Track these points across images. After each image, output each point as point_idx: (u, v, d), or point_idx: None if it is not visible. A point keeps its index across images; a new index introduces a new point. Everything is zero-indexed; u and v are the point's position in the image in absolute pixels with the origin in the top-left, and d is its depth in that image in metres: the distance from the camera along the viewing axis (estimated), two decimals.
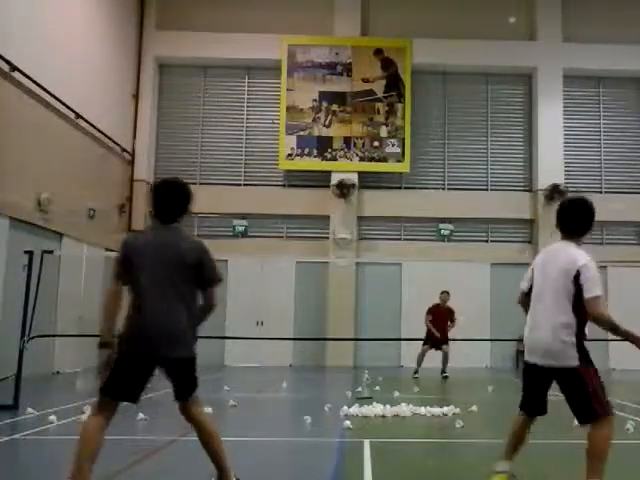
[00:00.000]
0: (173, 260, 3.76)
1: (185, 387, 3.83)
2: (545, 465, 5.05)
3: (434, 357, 13.49)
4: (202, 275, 3.85)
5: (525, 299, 4.10)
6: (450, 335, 13.33)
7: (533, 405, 4.02)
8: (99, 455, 3.56)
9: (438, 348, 13.30)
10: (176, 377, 3.80)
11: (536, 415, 4.04)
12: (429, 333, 13.30)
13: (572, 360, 3.74)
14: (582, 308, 3.73)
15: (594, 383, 3.74)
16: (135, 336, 3.70)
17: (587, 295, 3.69)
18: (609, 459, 3.74)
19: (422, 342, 13.24)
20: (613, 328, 3.72)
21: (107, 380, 3.66)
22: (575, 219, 3.96)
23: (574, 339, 3.75)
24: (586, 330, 3.84)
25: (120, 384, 3.66)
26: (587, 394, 3.72)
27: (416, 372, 13.14)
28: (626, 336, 3.73)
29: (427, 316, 13.45)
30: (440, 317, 13.37)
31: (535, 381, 3.96)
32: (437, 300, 13.59)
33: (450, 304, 13.57)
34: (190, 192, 3.94)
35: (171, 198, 3.87)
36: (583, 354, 3.77)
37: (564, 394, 3.85)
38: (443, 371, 13.22)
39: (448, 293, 13.61)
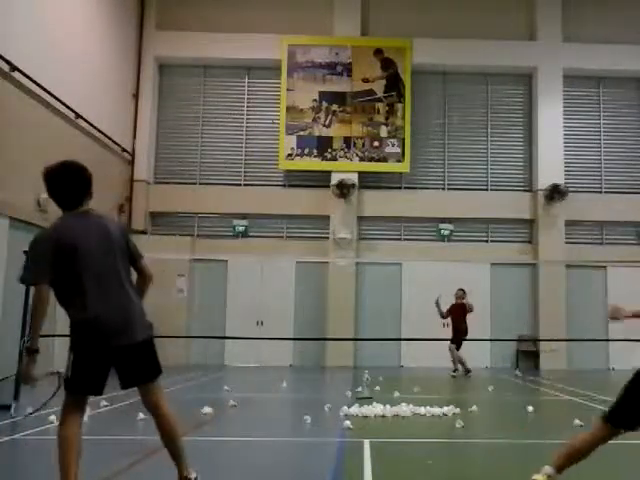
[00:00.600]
0: (108, 245, 3.64)
1: (149, 369, 3.69)
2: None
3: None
4: (130, 250, 3.77)
5: None
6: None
7: (635, 417, 3.70)
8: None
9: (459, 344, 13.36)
10: (139, 361, 3.64)
11: (632, 428, 3.70)
12: (453, 332, 13.37)
13: None
14: None
15: None
16: (94, 335, 3.54)
17: None
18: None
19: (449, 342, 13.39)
20: None
21: (71, 380, 3.56)
22: None
23: None
24: None
25: (86, 381, 3.57)
26: None
27: (468, 372, 13.23)
28: None
29: (446, 313, 13.62)
30: (455, 314, 13.52)
31: None
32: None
33: (450, 303, 13.59)
34: (89, 172, 3.82)
35: (74, 181, 3.72)
36: None
37: None
38: (458, 369, 13.29)
39: (463, 291, 13.70)
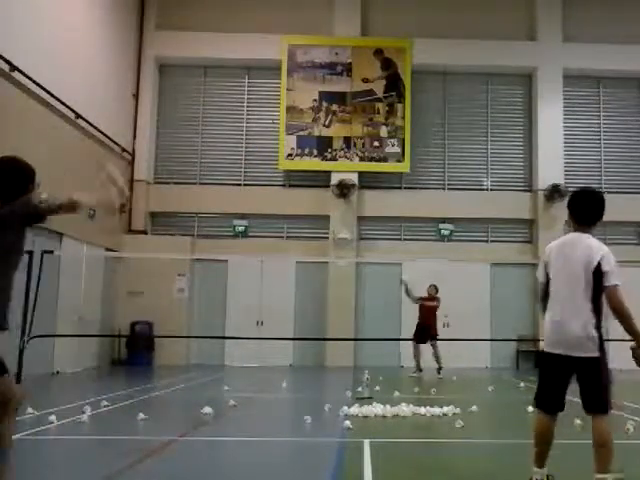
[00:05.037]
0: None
1: None
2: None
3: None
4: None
5: (546, 291, 4.08)
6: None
7: (552, 400, 3.96)
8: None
9: (426, 342, 13.31)
10: None
11: (555, 411, 3.97)
12: (417, 328, 13.38)
13: (594, 351, 3.81)
14: (600, 299, 3.87)
15: (607, 377, 3.85)
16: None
17: (607, 284, 3.83)
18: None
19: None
20: (628, 319, 3.78)
21: None
22: (589, 209, 4.05)
23: (595, 330, 3.83)
24: (602, 322, 3.89)
25: None
26: (600, 385, 3.81)
27: (419, 370, 13.18)
28: (633, 333, 3.77)
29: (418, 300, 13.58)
30: (426, 310, 13.44)
31: (556, 372, 3.93)
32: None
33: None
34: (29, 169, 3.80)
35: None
36: (602, 346, 3.84)
37: (580, 382, 3.90)
38: (438, 370, 13.19)
39: (435, 287, 13.61)
